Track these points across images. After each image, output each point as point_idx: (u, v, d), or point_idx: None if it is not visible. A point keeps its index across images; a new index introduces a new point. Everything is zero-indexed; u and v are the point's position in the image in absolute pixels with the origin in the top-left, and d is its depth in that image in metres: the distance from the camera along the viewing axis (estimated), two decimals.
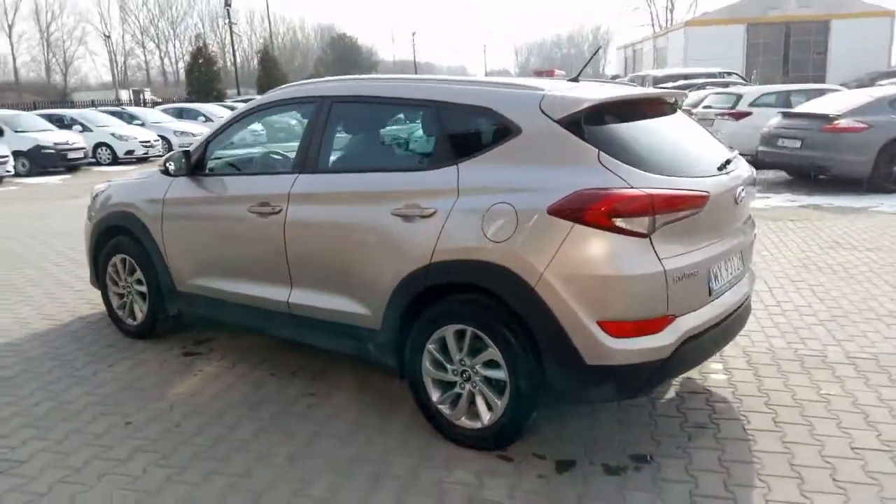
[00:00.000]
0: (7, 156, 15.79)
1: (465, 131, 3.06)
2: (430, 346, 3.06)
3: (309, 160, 3.50)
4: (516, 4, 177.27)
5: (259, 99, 3.97)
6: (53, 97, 40.37)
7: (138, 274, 4.39)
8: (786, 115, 10.62)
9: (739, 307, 3.24)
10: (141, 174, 4.53)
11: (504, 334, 2.82)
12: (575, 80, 3.36)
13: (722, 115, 12.75)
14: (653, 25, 68.77)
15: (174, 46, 65.68)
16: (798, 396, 3.49)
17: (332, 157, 3.48)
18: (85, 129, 19.55)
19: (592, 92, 2.98)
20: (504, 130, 2.93)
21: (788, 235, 7.14)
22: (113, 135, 19.56)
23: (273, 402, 3.58)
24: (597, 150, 2.73)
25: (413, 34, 78.71)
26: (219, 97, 32.62)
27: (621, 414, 3.35)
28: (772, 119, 10.94)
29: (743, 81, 22.06)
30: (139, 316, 4.50)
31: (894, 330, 4.35)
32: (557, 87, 3.03)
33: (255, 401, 3.61)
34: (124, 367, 4.11)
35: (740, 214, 3.22)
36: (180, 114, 24.96)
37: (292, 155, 3.69)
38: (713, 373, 3.79)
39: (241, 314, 3.90)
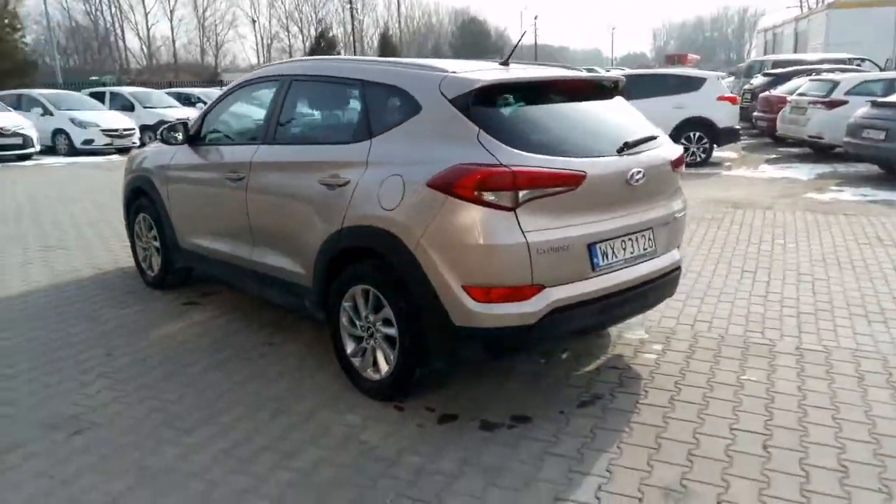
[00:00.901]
0: (134, 129, 17.53)
1: (381, 108, 3.35)
2: (346, 304, 3.40)
3: (268, 132, 3.92)
4: None
5: (242, 77, 4.44)
6: (206, 77, 43.35)
7: (154, 231, 5.01)
8: (874, 105, 9.92)
9: (645, 284, 3.33)
10: None
11: (394, 295, 3.11)
12: (505, 63, 3.54)
13: (814, 103, 12.04)
14: (801, 6, 64.07)
15: (314, 30, 69.04)
16: (714, 379, 3.52)
17: (284, 130, 3.88)
18: (46, 112, 19.93)
19: (494, 75, 3.18)
20: (410, 108, 3.19)
21: (830, 229, 6.82)
22: (73, 121, 19.93)
23: (233, 348, 4.05)
24: (477, 129, 2.94)
25: (535, 18, 77.97)
26: None
27: (531, 378, 3.54)
28: (861, 108, 10.24)
29: (878, 69, 20.39)
30: (156, 268, 5.13)
31: (872, 328, 4.19)
32: (463, 69, 3.24)
33: (220, 346, 4.10)
34: (131, 311, 4.74)
35: (640, 195, 3.27)
36: None
37: None
38: (647, 352, 3.87)
39: (223, 270, 4.42)
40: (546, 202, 2.91)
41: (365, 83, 3.44)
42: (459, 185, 2.84)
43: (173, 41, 60.27)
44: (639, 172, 3.18)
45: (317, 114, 3.97)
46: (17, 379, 3.66)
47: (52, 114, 16.96)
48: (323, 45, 35.94)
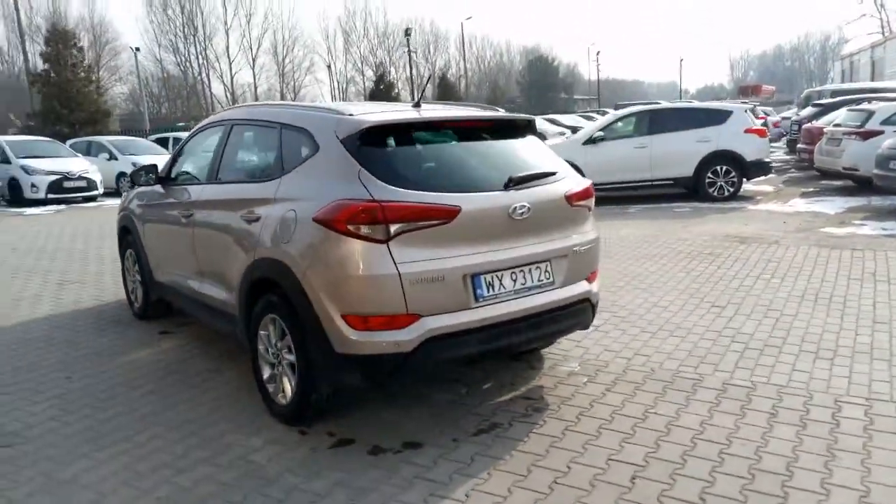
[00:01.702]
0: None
1: (291, 149, 3.60)
2: (262, 333, 3.62)
3: (211, 173, 4.25)
4: (734, 15, 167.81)
5: (202, 122, 4.82)
6: None
7: (137, 266, 5.41)
8: None
9: (540, 315, 3.41)
10: None
11: (290, 323, 3.32)
12: (417, 105, 3.74)
13: (849, 134, 11.68)
14: (882, 33, 61.74)
15: (388, 74, 71.37)
16: (620, 412, 3.55)
17: (223, 170, 4.19)
18: (111, 157, 20.90)
19: (385, 117, 3.39)
20: (312, 148, 3.44)
21: (827, 264, 6.61)
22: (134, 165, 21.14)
23: (180, 374, 4.34)
24: (358, 168, 3.15)
25: (597, 53, 77.93)
26: None
27: (443, 406, 3.66)
28: (889, 139, 9.90)
29: None
30: (140, 300, 5.52)
31: (814, 365, 4.10)
32: (363, 112, 3.47)
33: (170, 371, 4.39)
34: (108, 338, 5.12)
35: (530, 228, 3.37)
36: None
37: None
38: (569, 384, 3.92)
39: (183, 302, 4.74)
40: (419, 235, 3.07)
41: (283, 126, 3.71)
42: (336, 219, 3.04)
43: (255, 87, 63.42)
44: (522, 207, 3.30)
45: (247, 155, 4.27)
46: None
47: (116, 158, 18.18)
48: (382, 87, 37.19)
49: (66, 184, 16.13)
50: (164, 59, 60.33)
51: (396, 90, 40.01)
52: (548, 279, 3.48)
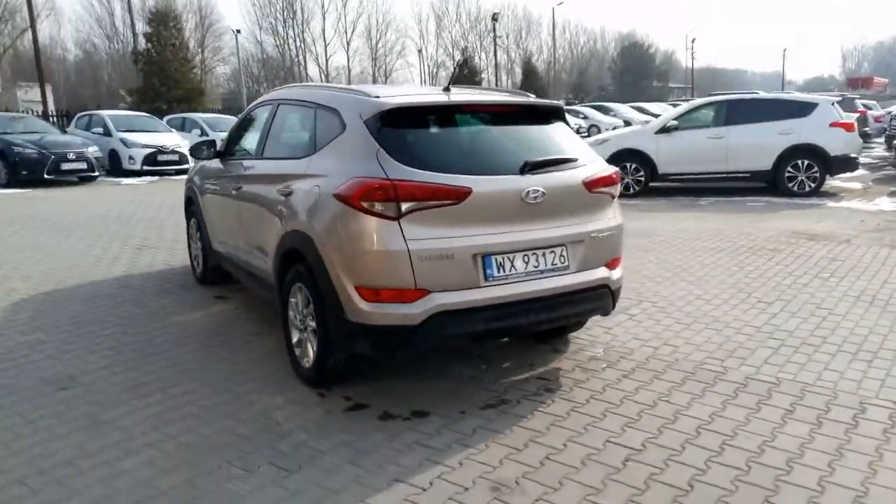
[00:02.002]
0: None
1: (323, 128, 3.78)
2: (291, 300, 3.85)
3: (258, 149, 4.50)
4: (849, 2, 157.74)
5: (253, 102, 5.10)
6: None
7: (198, 234, 5.79)
8: None
9: (554, 298, 3.47)
10: None
11: (313, 292, 3.52)
12: (447, 88, 3.85)
13: None
14: None
15: (479, 58, 71.00)
16: (631, 397, 3.57)
17: (266, 147, 4.44)
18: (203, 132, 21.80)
19: (408, 99, 3.52)
20: (340, 128, 3.60)
21: None
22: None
23: (225, 336, 4.64)
24: (377, 147, 3.30)
25: (692, 41, 74.82)
26: None
27: (461, 381, 3.77)
28: None
29: None
30: (200, 267, 5.91)
31: (849, 366, 3.96)
32: (390, 94, 3.61)
33: (217, 333, 4.71)
34: (169, 299, 5.52)
35: (545, 212, 3.43)
36: None
37: None
38: (588, 367, 3.96)
39: (233, 269, 5.05)
40: (430, 214, 3.19)
41: (318, 106, 3.90)
42: (353, 196, 3.21)
43: (348, 70, 64.73)
44: (536, 191, 3.35)
45: (287, 133, 4.49)
46: (45, 344, 4.47)
47: (207, 134, 19.09)
48: (465, 72, 37.28)
49: (160, 157, 17.12)
50: (264, 41, 62.60)
51: (480, 76, 39.95)
52: (563, 263, 3.53)
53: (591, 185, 3.60)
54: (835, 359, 4.07)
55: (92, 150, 15.60)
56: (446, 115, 3.57)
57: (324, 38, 63.98)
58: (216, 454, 3.05)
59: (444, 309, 3.22)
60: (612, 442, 3.11)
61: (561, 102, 4.06)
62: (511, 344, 4.36)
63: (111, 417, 3.43)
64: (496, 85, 40.29)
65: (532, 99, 4.01)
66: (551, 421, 3.32)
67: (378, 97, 3.54)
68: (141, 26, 27.11)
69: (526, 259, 3.41)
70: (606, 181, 3.70)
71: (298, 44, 63.21)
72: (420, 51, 68.07)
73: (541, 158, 3.49)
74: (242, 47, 58.06)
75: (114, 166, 17.11)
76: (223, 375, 3.96)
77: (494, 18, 37.21)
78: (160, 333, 4.69)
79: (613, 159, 10.77)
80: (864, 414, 3.35)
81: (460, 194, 3.21)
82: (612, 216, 3.76)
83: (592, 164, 3.71)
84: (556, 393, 3.64)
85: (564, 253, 3.53)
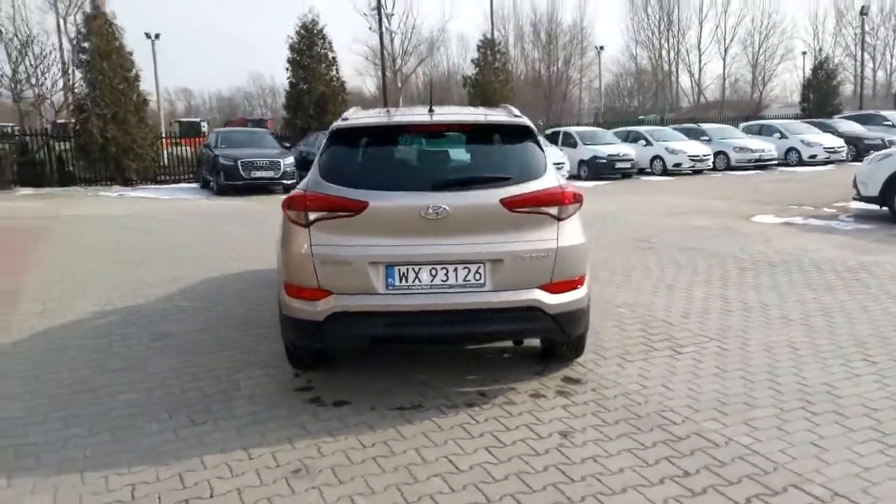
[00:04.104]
0: (563, 163, 19.98)
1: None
2: None
3: None
4: None
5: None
6: (747, 112, 42.87)
7: None
8: None
9: (463, 313, 3.56)
10: None
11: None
12: (430, 110, 4.14)
13: None
14: None
15: (890, 55, 60.95)
16: (537, 428, 3.46)
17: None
18: (647, 143, 22.49)
19: (364, 121, 3.93)
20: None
21: None
22: (667, 149, 21.93)
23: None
24: (319, 163, 3.81)
25: None
26: (834, 112, 30.98)
27: (407, 385, 4.04)
28: None
29: None
30: None
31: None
32: (362, 116, 4.07)
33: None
34: None
35: (457, 229, 3.50)
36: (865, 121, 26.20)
37: None
38: (539, 395, 3.87)
39: None
40: (333, 223, 3.59)
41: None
42: (283, 204, 3.78)
43: (723, 78, 62.01)
44: (438, 208, 3.49)
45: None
46: (186, 312, 5.87)
47: (651, 144, 21.71)
48: (822, 75, 32.93)
49: None
50: (640, 54, 63.80)
51: (837, 80, 34.78)
52: (478, 280, 3.57)
53: (511, 203, 3.57)
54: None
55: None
56: (388, 135, 3.89)
57: (699, 46, 62.20)
58: (171, 402, 3.89)
59: (342, 310, 3.58)
60: (448, 459, 3.14)
61: (523, 121, 3.99)
62: (505, 359, 4.42)
63: (179, 366, 4.46)
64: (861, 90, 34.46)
65: (494, 119, 4.06)
66: (428, 429, 3.44)
67: (346, 119, 4.02)
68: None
69: (433, 272, 3.57)
70: (535, 200, 3.61)
71: (672, 55, 62.85)
72: (804, 53, 60.41)
73: (452, 177, 3.61)
74: (616, 62, 60.53)
75: None
76: (225, 357, 4.61)
77: (863, 12, 31.79)
78: (256, 313, 5.75)
79: None
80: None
81: (357, 207, 3.54)
82: (548, 237, 3.64)
83: (529, 182, 3.65)
84: (473, 409, 3.68)
85: (482, 270, 3.57)
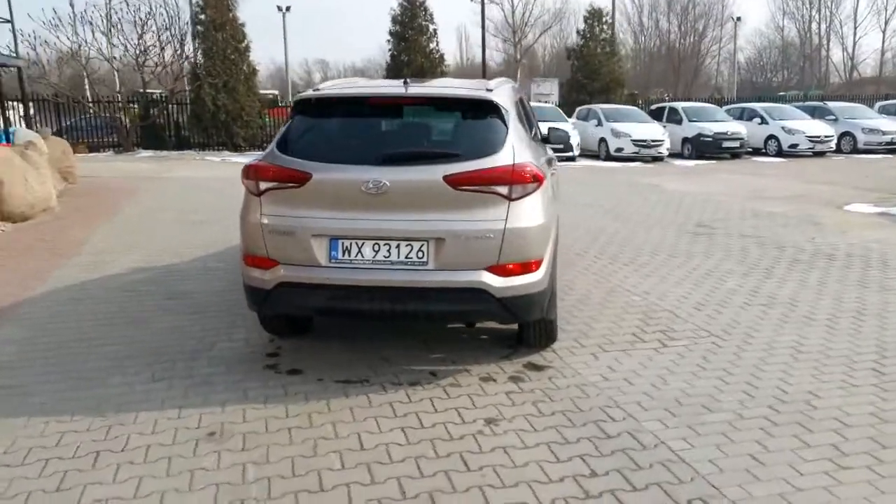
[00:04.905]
0: (661, 140, 19.07)
1: None
2: None
3: None
4: None
5: None
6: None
7: None
8: None
9: (404, 291, 3.49)
10: None
11: None
12: (405, 83, 4.06)
13: None
14: None
15: None
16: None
17: None
18: (763, 121, 21.00)
19: (328, 92, 3.90)
20: None
21: None
22: (783, 128, 20.38)
23: None
24: (279, 134, 3.84)
25: None
26: None
27: (368, 359, 4.04)
28: None
29: None
30: None
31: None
32: (330, 86, 4.04)
33: None
34: None
35: (400, 205, 3.42)
36: None
37: None
38: (489, 379, 3.77)
39: None
40: (280, 194, 3.60)
41: None
42: (241, 174, 3.82)
43: (882, 53, 56.57)
44: (378, 182, 3.42)
45: None
46: (212, 273, 6.15)
47: (767, 123, 20.47)
48: None
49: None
50: (787, 26, 59.48)
51: None
52: (420, 258, 3.49)
53: (455, 181, 3.43)
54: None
55: None
56: (344, 107, 3.84)
57: (854, 18, 56.87)
58: (146, 358, 4.10)
59: (287, 280, 3.61)
60: (358, 436, 3.12)
61: (486, 95, 3.79)
62: (480, 339, 4.32)
63: (190, 321, 4.75)
64: None
65: (454, 91, 3.90)
66: (358, 404, 3.43)
67: (318, 90, 4.01)
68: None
69: (376, 248, 3.52)
70: (482, 179, 3.45)
71: (823, 28, 58.01)
72: None
73: (394, 152, 3.52)
74: (760, 34, 56.30)
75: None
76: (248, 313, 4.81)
77: None
78: None
79: None
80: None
81: (300, 178, 3.54)
82: (494, 217, 3.48)
83: (480, 160, 3.49)
84: (414, 388, 3.63)
85: (424, 248, 3.49)
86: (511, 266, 3.52)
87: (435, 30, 23.60)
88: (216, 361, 4.02)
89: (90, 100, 22.25)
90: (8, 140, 11.04)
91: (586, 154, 19.62)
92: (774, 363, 3.93)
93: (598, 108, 20.99)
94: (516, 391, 3.58)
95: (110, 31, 22.00)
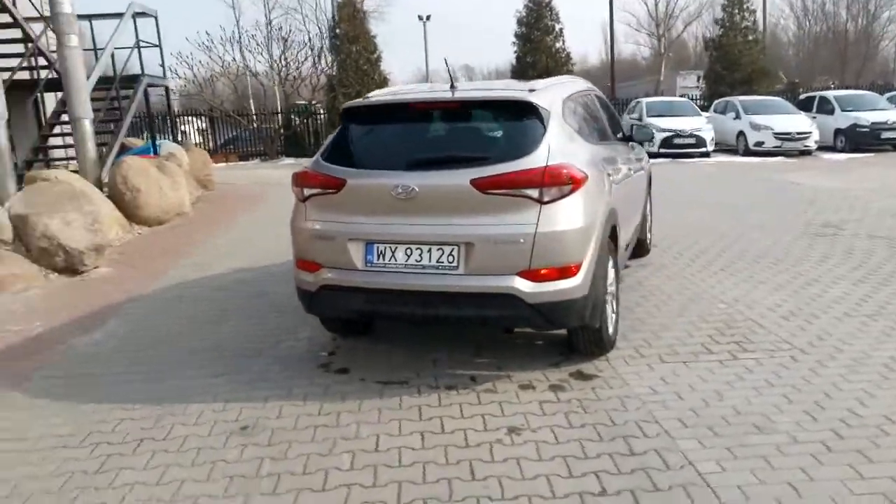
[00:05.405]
0: (808, 132, 17.53)
1: None
2: None
3: None
4: None
5: None
6: None
7: None
8: None
9: (435, 296, 3.47)
10: None
11: None
12: (452, 86, 4.05)
13: None
14: None
15: None
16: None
17: None
18: None
19: (378, 99, 3.97)
20: None
21: None
22: None
23: None
24: (325, 142, 3.97)
25: None
26: None
27: (411, 362, 4.08)
28: None
29: None
30: None
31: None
32: (383, 93, 4.12)
33: None
34: None
35: (430, 210, 3.41)
36: None
37: None
38: (522, 386, 3.67)
39: None
40: (321, 200, 3.71)
41: None
42: (291, 181, 3.98)
43: None
44: (407, 187, 3.43)
45: None
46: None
47: (739, 118, 18.65)
48: None
49: (677, 140, 17.80)
50: None
51: None
52: (451, 263, 3.46)
53: (482, 185, 3.36)
54: None
55: None
56: (382, 114, 3.88)
57: None
58: (220, 352, 4.37)
59: (328, 283, 3.72)
60: (377, 437, 3.15)
61: (522, 96, 3.66)
62: (534, 345, 4.21)
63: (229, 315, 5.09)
64: None
65: (491, 94, 3.82)
66: (388, 406, 3.46)
67: (367, 98, 4.10)
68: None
69: (408, 252, 3.53)
70: (510, 182, 3.35)
71: None
72: None
73: (423, 156, 3.52)
74: None
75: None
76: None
77: None
78: None
79: None
80: None
81: (336, 184, 3.63)
82: (525, 221, 3.37)
83: (510, 163, 3.40)
84: (449, 392, 3.60)
85: (455, 253, 3.46)
86: (544, 271, 3.40)
87: (561, 29, 23.22)
88: (275, 359, 4.21)
89: (239, 113, 24.06)
90: (155, 152, 12.20)
91: (724, 149, 18.49)
92: (856, 381, 3.51)
93: (737, 99, 19.67)
94: (552, 400, 3.46)
95: (257, 49, 23.69)
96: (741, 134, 18.31)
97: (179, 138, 18.99)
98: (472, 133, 3.74)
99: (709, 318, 4.62)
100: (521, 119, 3.63)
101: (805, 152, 17.50)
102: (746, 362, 3.83)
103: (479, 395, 3.56)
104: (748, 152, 17.85)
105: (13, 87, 11.14)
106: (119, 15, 12.14)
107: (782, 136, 17.43)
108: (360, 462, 2.93)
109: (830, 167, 14.60)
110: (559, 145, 3.57)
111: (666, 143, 17.84)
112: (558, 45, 23.16)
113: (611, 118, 5.33)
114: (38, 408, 3.65)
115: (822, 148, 17.84)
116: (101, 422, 3.44)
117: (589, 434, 3.09)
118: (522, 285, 3.39)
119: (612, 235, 4.06)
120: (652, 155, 17.73)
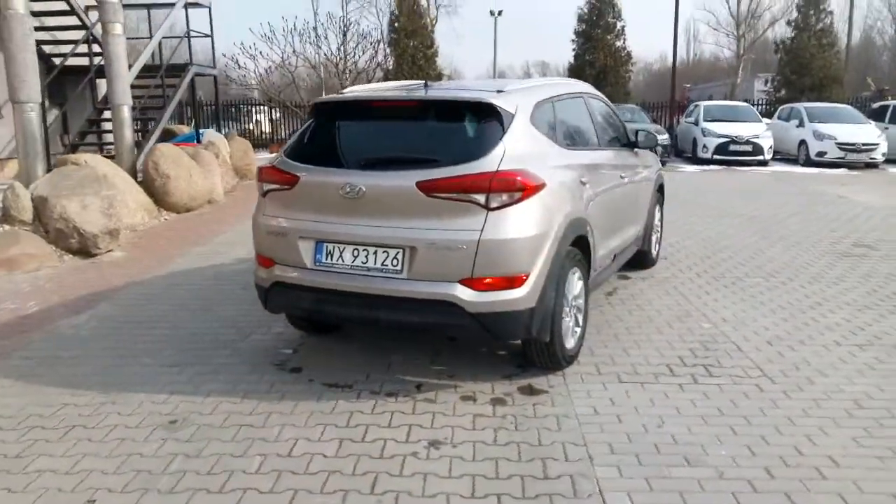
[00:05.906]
0: (875, 144, 16.58)
1: None
2: None
3: None
4: None
5: None
6: None
7: None
8: None
9: (378, 299, 3.41)
10: None
11: None
12: (426, 84, 3.98)
13: None
14: None
15: None
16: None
17: None
18: None
19: (343, 95, 3.94)
20: None
21: None
22: None
23: None
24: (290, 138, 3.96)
25: None
26: None
27: (363, 365, 4.04)
28: None
29: None
30: None
31: None
32: (357, 90, 4.08)
33: None
34: None
35: (377, 211, 3.35)
36: None
37: None
38: (466, 397, 3.58)
39: None
40: (277, 196, 3.70)
41: None
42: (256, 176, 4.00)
43: None
44: (353, 187, 3.38)
45: None
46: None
47: (803, 125, 17.80)
48: None
49: (732, 147, 17.12)
50: None
51: None
52: (395, 267, 3.38)
53: (428, 188, 3.27)
54: None
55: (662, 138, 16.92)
56: (346, 112, 3.82)
57: None
58: (185, 344, 4.44)
59: (278, 280, 3.70)
60: (294, 442, 3.12)
61: (483, 97, 3.53)
62: (495, 355, 4.10)
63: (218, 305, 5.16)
64: None
65: (452, 94, 3.74)
66: (321, 409, 3.42)
67: (341, 93, 4.07)
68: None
69: (355, 253, 3.48)
70: (455, 186, 3.25)
71: None
72: None
73: (373, 156, 3.46)
74: None
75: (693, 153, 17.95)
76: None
77: None
78: None
79: None
80: None
81: (290, 181, 3.60)
82: (469, 227, 3.27)
83: (459, 166, 3.30)
84: (387, 399, 3.54)
85: (399, 256, 3.39)
86: (489, 280, 3.29)
87: (623, 27, 22.65)
88: (237, 352, 4.23)
89: (296, 105, 24.50)
90: (198, 140, 12.54)
91: (785, 158, 17.72)
92: (816, 416, 3.27)
93: (802, 106, 18.79)
94: (486, 414, 3.35)
95: (317, 41, 24.04)
96: (803, 143, 17.48)
97: (223, 127, 19.46)
98: (428, 134, 3.64)
99: (688, 337, 4.40)
100: (481, 121, 3.52)
101: (871, 165, 16.58)
102: (707, 388, 3.62)
103: (417, 404, 3.48)
104: (809, 162, 17.04)
105: (71, 72, 11.67)
106: (171, 5, 12.53)
107: (846, 147, 16.53)
108: (268, 466, 2.90)
109: (892, 182, 13.76)
110: (518, 150, 3.44)
111: (720, 149, 17.20)
112: (619, 43, 22.59)
113: (608, 123, 5.13)
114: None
115: (893, 161, 16.86)
116: (46, 405, 3.52)
117: (509, 453, 2.97)
118: (463, 293, 3.29)
119: (582, 246, 3.91)
120: (705, 162, 17.28)
